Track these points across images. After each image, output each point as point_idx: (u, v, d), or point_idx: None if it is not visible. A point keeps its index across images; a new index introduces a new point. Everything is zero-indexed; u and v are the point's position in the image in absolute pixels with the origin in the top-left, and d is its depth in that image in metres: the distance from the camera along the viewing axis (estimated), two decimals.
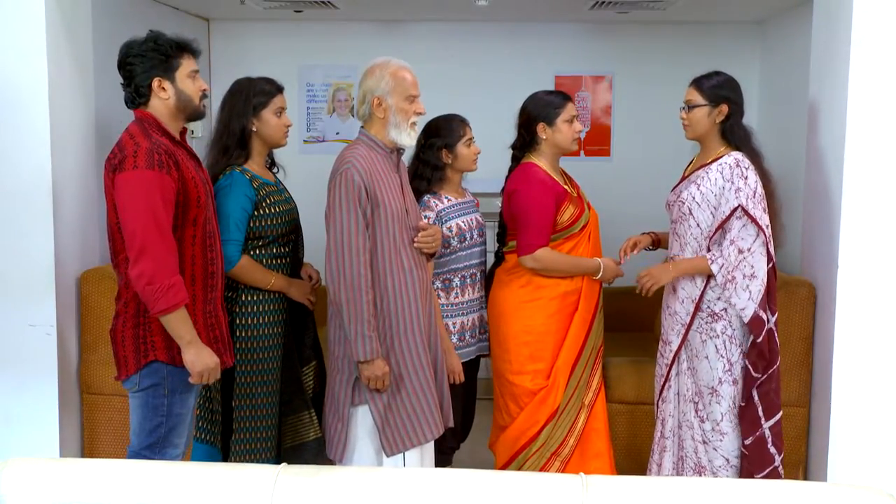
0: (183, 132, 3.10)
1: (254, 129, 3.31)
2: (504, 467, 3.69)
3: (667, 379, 3.52)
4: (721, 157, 3.39)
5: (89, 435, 3.95)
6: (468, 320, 3.70)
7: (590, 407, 3.63)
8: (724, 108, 3.40)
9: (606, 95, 5.66)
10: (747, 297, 3.28)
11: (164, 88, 2.95)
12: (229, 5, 5.01)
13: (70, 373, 3.83)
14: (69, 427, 3.83)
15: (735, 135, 3.41)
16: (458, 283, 3.66)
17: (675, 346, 3.47)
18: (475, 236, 3.70)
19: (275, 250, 3.35)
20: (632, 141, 5.65)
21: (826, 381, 3.64)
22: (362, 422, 3.17)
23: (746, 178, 3.29)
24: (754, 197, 3.27)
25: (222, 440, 3.35)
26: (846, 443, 3.58)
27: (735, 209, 3.27)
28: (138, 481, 1.90)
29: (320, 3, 4.84)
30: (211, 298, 3.04)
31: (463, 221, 3.66)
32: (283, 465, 1.93)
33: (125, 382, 3.00)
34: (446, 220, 3.63)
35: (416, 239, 3.19)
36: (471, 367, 3.76)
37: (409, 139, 3.18)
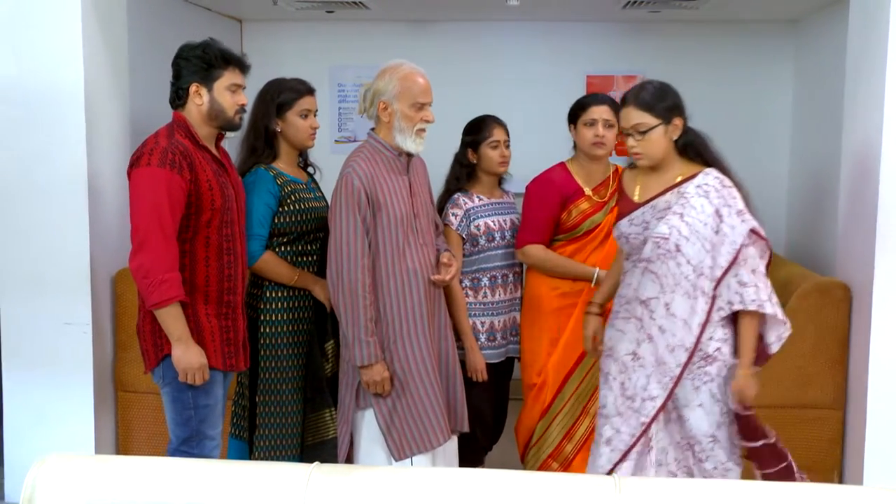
0: (219, 138, 3.14)
1: (278, 129, 3.33)
2: (521, 457, 3.76)
3: (644, 433, 2.99)
4: (692, 177, 2.94)
5: (124, 432, 3.99)
6: (498, 321, 3.69)
7: (595, 414, 3.59)
8: (679, 122, 2.96)
9: None
10: (782, 319, 2.91)
11: (199, 94, 3.01)
12: (261, 6, 5.04)
13: (105, 371, 3.86)
14: (104, 425, 3.86)
15: (699, 148, 2.99)
16: (488, 282, 3.64)
17: (659, 402, 2.94)
18: (506, 237, 3.68)
19: (300, 248, 3.36)
20: None
21: (862, 383, 3.59)
22: (368, 426, 3.17)
23: (736, 197, 2.89)
24: (747, 213, 2.88)
25: (249, 436, 3.38)
26: (883, 446, 3.53)
27: (748, 234, 2.85)
28: (172, 479, 1.90)
29: (352, 3, 4.85)
30: (227, 301, 3.07)
31: (493, 221, 3.65)
32: (316, 463, 1.93)
33: (153, 376, 3.06)
34: (474, 219, 3.62)
35: (432, 277, 3.18)
36: (502, 368, 3.75)
37: (414, 146, 3.14)
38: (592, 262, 3.57)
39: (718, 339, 2.90)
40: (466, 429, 3.32)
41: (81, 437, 3.75)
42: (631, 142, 2.95)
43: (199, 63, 3.00)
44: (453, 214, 3.63)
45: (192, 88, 3.01)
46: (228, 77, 3.03)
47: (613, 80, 5.61)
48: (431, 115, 3.15)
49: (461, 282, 3.59)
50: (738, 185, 2.94)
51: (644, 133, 2.91)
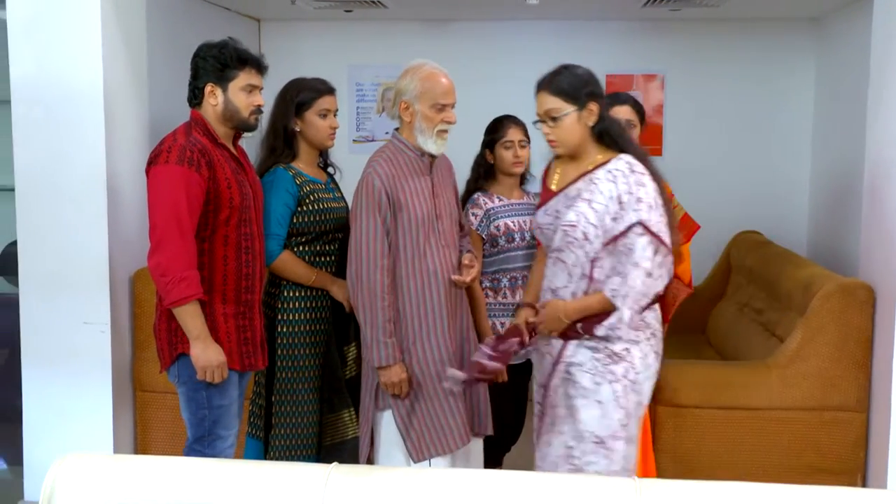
0: (237, 137, 3.15)
1: (297, 129, 3.34)
2: None
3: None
4: (604, 163, 2.86)
5: (142, 432, 4.00)
6: None
7: None
8: (594, 107, 2.88)
9: (658, 94, 5.60)
10: (627, 322, 2.82)
11: (214, 95, 3.02)
12: (280, 5, 5.05)
13: (124, 370, 3.88)
14: (123, 424, 3.88)
15: (615, 135, 2.89)
16: (507, 283, 3.63)
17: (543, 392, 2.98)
18: (527, 238, 3.67)
19: (318, 248, 3.36)
20: (684, 140, 5.58)
21: (886, 385, 3.55)
22: (387, 427, 3.17)
23: (644, 185, 2.78)
24: (654, 209, 2.78)
25: (265, 435, 3.39)
26: None
27: (632, 225, 2.76)
28: (190, 478, 1.91)
29: (370, 2, 4.85)
30: (245, 301, 3.07)
31: (513, 222, 3.64)
32: (335, 464, 1.93)
33: (168, 375, 3.08)
34: (494, 220, 3.61)
35: (452, 278, 3.16)
36: (522, 370, 3.73)
37: (434, 147, 3.13)
38: None
39: (627, 341, 2.84)
40: (490, 432, 3.30)
41: (100, 436, 3.77)
42: (545, 129, 2.90)
43: (215, 63, 3.01)
44: (473, 215, 3.63)
45: (208, 88, 3.02)
46: (244, 78, 3.03)
47: (633, 80, 5.59)
48: (453, 116, 3.13)
49: (481, 283, 3.58)
50: (655, 174, 2.85)
51: (556, 119, 2.86)
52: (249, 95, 3.05)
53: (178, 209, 2.85)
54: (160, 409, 3.96)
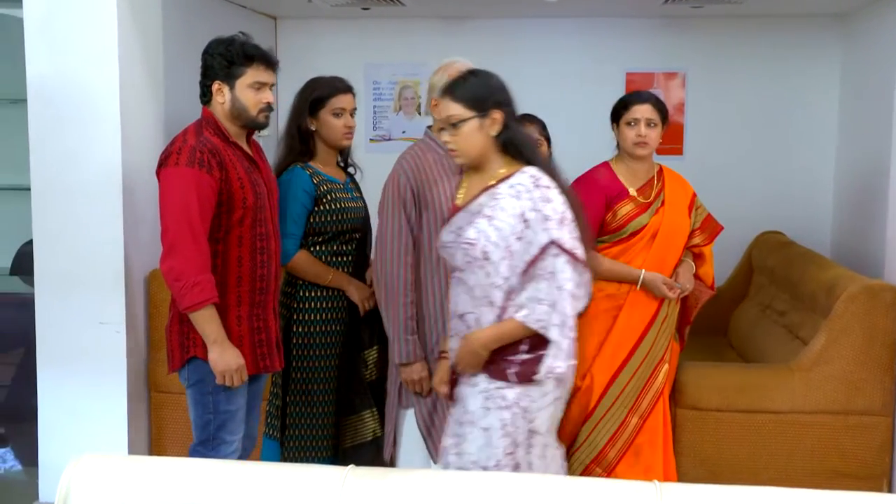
0: (250, 134, 3.14)
1: (313, 128, 3.34)
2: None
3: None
4: (508, 177, 2.69)
5: (157, 433, 4.02)
6: None
7: (641, 420, 3.54)
8: (498, 116, 2.70)
9: (679, 92, 5.58)
10: (566, 351, 2.64)
11: (222, 92, 3.00)
12: (296, 3, 5.06)
13: (139, 371, 3.90)
14: (138, 425, 3.90)
15: (519, 146, 2.72)
16: None
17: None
18: None
19: (335, 247, 3.37)
20: (706, 139, 5.55)
21: None
22: (410, 425, 3.19)
23: (550, 200, 2.61)
24: (563, 224, 2.61)
25: (280, 436, 3.40)
26: None
27: (546, 246, 2.58)
28: (205, 480, 1.92)
29: None
30: (259, 301, 3.06)
31: None
32: (351, 466, 1.93)
33: (179, 377, 3.09)
34: None
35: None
36: None
37: None
38: (639, 265, 3.53)
39: (519, 363, 2.66)
40: None
41: (115, 437, 3.78)
42: (445, 136, 2.75)
43: (222, 60, 2.97)
44: None
45: (215, 86, 2.99)
46: (252, 75, 2.99)
47: (654, 78, 5.57)
48: None
49: None
50: (563, 188, 2.68)
51: (456, 126, 2.70)
52: (258, 93, 3.00)
53: (190, 212, 2.83)
54: (175, 409, 3.97)
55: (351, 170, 3.55)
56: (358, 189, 3.52)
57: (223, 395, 3.00)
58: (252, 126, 3.08)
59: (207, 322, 2.89)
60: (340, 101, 3.36)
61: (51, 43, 3.68)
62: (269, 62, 3.05)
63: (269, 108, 3.06)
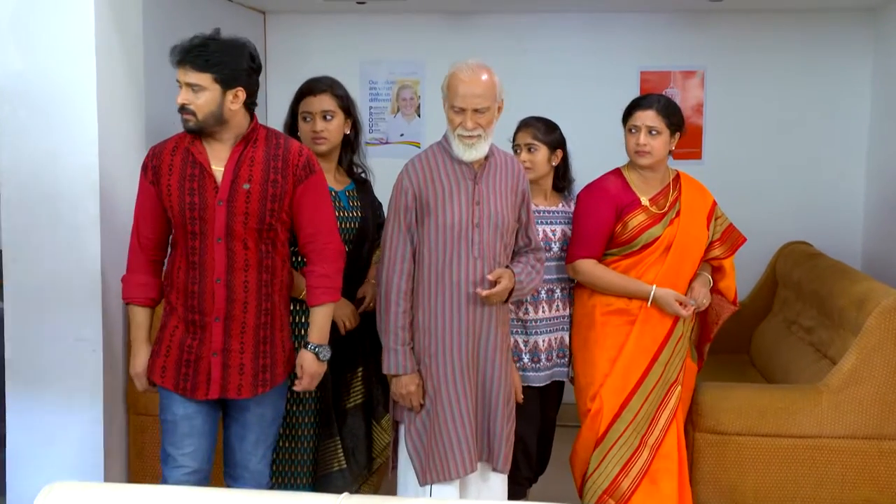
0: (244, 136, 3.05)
1: (299, 133, 3.35)
2: (579, 491, 3.66)
3: None
4: None
5: (135, 458, 3.98)
6: (543, 340, 3.62)
7: (655, 446, 3.51)
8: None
9: (697, 92, 5.55)
10: None
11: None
12: None
13: (116, 391, 3.85)
14: (115, 450, 3.85)
15: None
16: (529, 297, 3.56)
17: None
18: (553, 248, 3.62)
19: None
20: (726, 142, 5.53)
21: None
22: (404, 441, 3.22)
23: None
24: None
25: None
26: None
27: None
28: None
29: None
30: (196, 322, 3.00)
31: (550, 230, 3.63)
32: (346, 494, 1.90)
33: None
34: None
35: (478, 291, 3.10)
36: (548, 394, 3.69)
37: (459, 152, 3.11)
38: (650, 280, 3.49)
39: None
40: (503, 470, 3.24)
41: (90, 463, 3.73)
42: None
43: (172, 60, 2.97)
44: None
45: None
46: (178, 74, 2.95)
47: (670, 77, 5.54)
48: (470, 123, 3.06)
49: None
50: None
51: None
52: (180, 92, 2.96)
53: (137, 215, 3.12)
54: (155, 433, 3.92)
55: (359, 171, 3.55)
56: (362, 197, 3.48)
57: (162, 400, 3.10)
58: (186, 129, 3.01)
59: (131, 320, 3.17)
60: (307, 103, 3.36)
61: (21, 38, 3.64)
62: (184, 59, 2.93)
63: (182, 109, 2.95)
